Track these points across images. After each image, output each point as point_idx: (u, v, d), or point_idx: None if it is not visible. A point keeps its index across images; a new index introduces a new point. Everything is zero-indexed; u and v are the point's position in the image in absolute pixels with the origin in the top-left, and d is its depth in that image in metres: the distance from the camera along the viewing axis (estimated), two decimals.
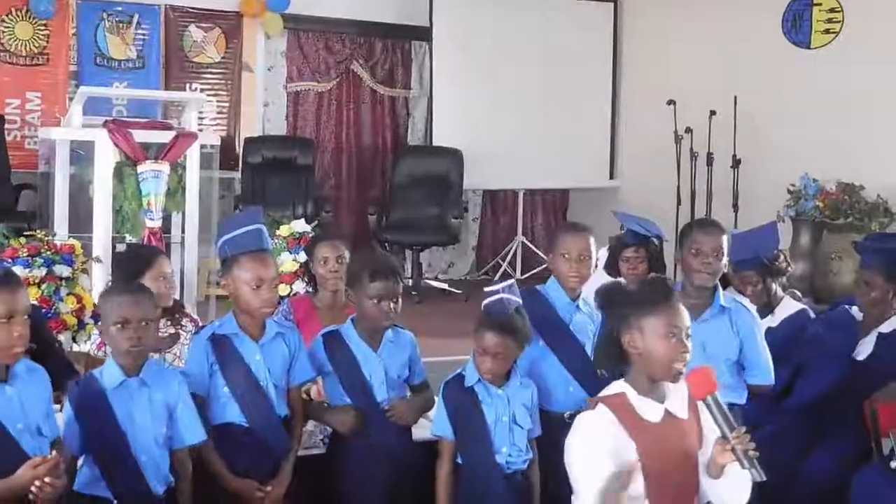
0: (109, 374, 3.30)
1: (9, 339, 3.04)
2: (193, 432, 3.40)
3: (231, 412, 3.57)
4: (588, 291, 4.11)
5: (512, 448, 3.62)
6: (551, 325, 3.90)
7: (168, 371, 3.54)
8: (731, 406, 3.86)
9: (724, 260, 3.95)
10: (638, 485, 2.70)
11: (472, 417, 3.58)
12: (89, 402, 3.25)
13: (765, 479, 2.76)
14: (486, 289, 3.74)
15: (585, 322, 3.94)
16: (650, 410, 2.84)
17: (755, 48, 8.97)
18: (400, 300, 3.78)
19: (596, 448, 2.75)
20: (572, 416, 3.75)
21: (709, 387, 2.83)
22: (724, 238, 3.95)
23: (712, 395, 2.82)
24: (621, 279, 5.07)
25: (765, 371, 4.00)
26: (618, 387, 2.89)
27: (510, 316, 3.60)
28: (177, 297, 4.66)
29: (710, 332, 3.86)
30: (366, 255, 4.40)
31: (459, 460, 3.63)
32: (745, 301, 4.15)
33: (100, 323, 3.57)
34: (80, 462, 3.27)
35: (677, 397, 2.90)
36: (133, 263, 4.30)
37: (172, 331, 4.26)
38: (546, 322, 3.89)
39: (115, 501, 3.22)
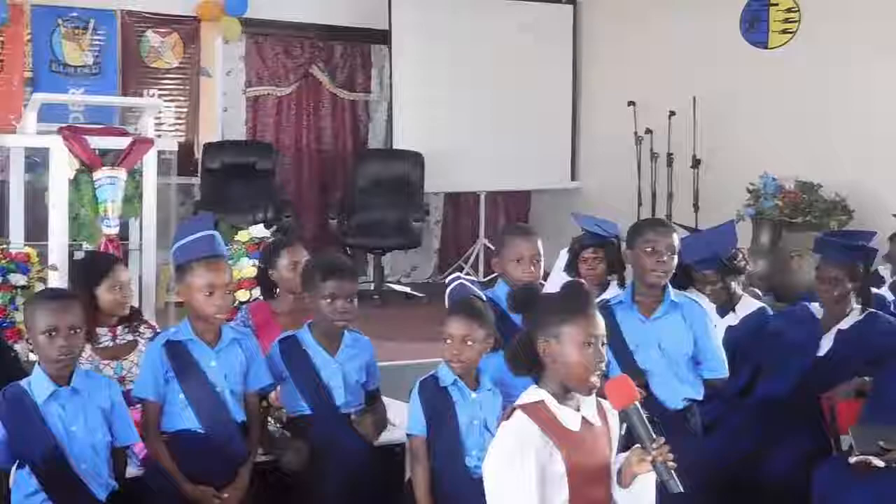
0: (39, 385, 3.26)
1: None
2: (128, 433, 3.41)
3: (187, 418, 3.56)
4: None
5: (482, 452, 3.61)
6: (507, 330, 3.90)
7: (97, 376, 3.52)
8: (690, 402, 3.91)
9: (676, 259, 3.97)
10: (563, 496, 2.65)
11: (445, 418, 3.58)
12: (20, 415, 3.21)
13: (682, 490, 2.71)
14: (446, 279, 3.77)
15: None
16: (569, 418, 2.74)
17: (714, 49, 9.02)
18: (355, 300, 3.77)
19: (522, 460, 2.63)
20: None
21: (629, 396, 2.76)
22: (675, 236, 3.97)
23: (633, 405, 2.76)
24: (582, 280, 5.08)
25: (719, 364, 4.02)
26: (534, 394, 2.77)
27: (473, 300, 3.62)
28: (135, 304, 4.63)
29: (664, 330, 3.91)
30: (319, 255, 4.41)
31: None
32: (697, 296, 4.17)
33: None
34: (12, 475, 3.22)
35: (590, 404, 2.81)
36: (89, 272, 4.27)
37: (130, 338, 4.23)
38: (500, 327, 3.88)
39: None
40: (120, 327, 4.14)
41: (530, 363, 2.82)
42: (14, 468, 3.24)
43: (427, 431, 3.58)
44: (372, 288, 8.81)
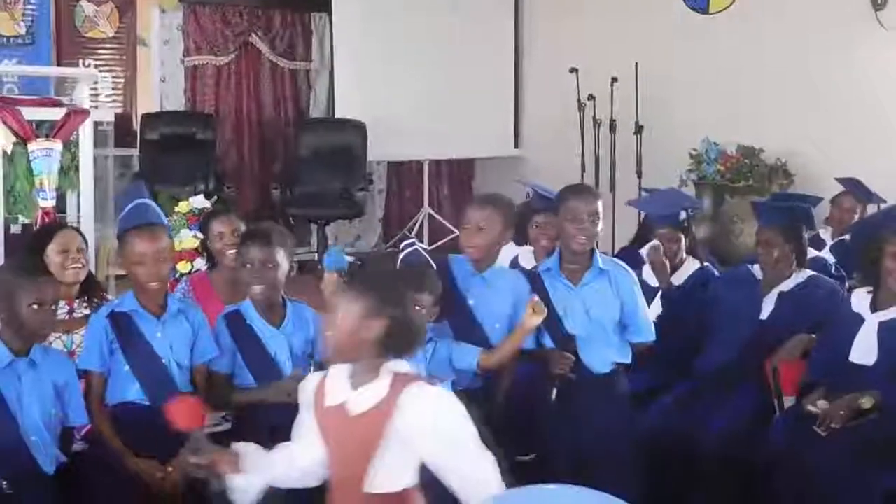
0: None
1: None
2: (80, 414, 3.41)
3: (131, 390, 3.53)
4: (501, 263, 4.15)
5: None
6: (448, 296, 3.90)
7: (55, 352, 3.49)
8: (617, 365, 3.92)
9: (600, 225, 3.98)
10: None
11: None
12: None
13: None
14: (402, 244, 3.78)
15: (491, 296, 3.94)
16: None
17: (655, 14, 9.03)
18: (275, 266, 3.73)
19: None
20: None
21: (195, 420, 2.74)
22: (599, 203, 3.99)
23: (199, 430, 2.73)
24: (529, 247, 5.07)
25: (646, 329, 4.09)
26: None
27: (422, 266, 3.63)
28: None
29: (591, 295, 3.96)
30: (253, 225, 4.38)
31: None
32: (622, 263, 4.20)
33: None
34: None
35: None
36: (36, 236, 4.21)
37: (87, 312, 4.13)
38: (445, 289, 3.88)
39: (5, 483, 3.14)
40: (77, 301, 4.07)
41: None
42: None
43: None
44: (316, 258, 8.74)
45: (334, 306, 2.56)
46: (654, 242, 4.83)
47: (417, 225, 9.88)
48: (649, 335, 4.09)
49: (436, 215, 9.97)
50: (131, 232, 3.57)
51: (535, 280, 4.05)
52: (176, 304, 3.67)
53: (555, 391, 3.92)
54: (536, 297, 3.72)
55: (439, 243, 9.49)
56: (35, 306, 3.23)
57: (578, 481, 1.85)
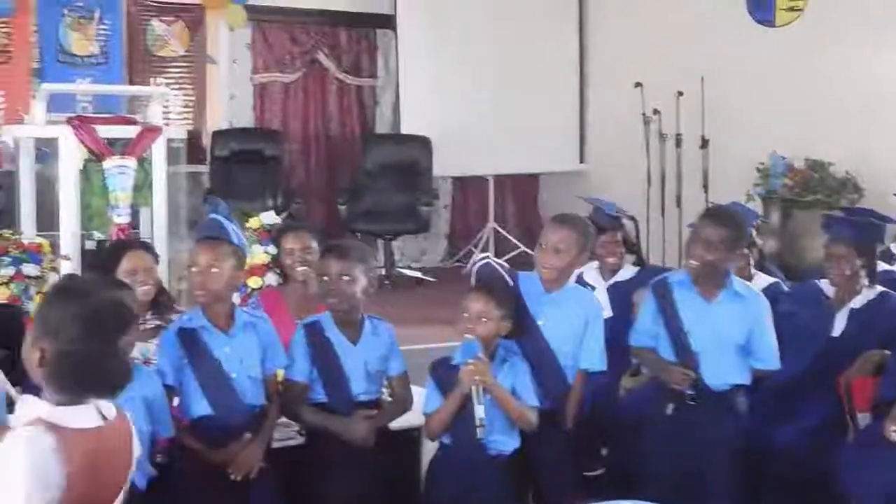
0: None
1: None
2: (167, 427, 3.46)
3: (201, 405, 3.56)
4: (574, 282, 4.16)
5: (498, 431, 3.62)
6: (518, 316, 3.90)
7: (142, 368, 3.53)
8: (737, 387, 3.92)
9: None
10: None
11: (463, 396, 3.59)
12: None
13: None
14: (474, 258, 3.79)
15: (561, 317, 3.94)
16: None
17: (720, 28, 8.98)
18: (349, 280, 3.73)
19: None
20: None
21: None
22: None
23: None
24: (594, 263, 5.09)
25: (770, 357, 4.04)
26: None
27: (498, 280, 3.64)
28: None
29: (723, 315, 3.94)
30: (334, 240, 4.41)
31: (447, 440, 3.65)
32: (755, 289, 4.18)
33: None
34: None
35: None
36: (104, 261, 4.27)
37: (157, 323, 4.18)
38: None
39: None
40: (149, 313, 4.11)
41: None
42: None
43: None
44: (382, 273, 8.81)
45: None
46: None
47: (483, 240, 9.90)
48: (774, 363, 4.04)
49: (501, 230, 9.99)
50: (195, 243, 3.66)
51: (663, 289, 4.03)
52: (243, 318, 3.68)
53: (671, 406, 3.89)
54: (482, 356, 3.59)
55: (505, 258, 9.50)
56: None
57: (678, 497, 1.85)
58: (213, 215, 3.72)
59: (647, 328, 4.07)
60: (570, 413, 3.97)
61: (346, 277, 3.71)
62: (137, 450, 2.49)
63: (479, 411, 3.49)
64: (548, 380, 3.88)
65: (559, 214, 4.17)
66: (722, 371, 3.93)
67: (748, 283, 4.64)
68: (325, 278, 3.73)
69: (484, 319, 3.62)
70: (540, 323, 3.93)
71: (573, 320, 3.96)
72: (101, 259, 4.37)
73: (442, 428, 3.63)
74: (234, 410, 3.57)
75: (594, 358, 4.00)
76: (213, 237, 3.64)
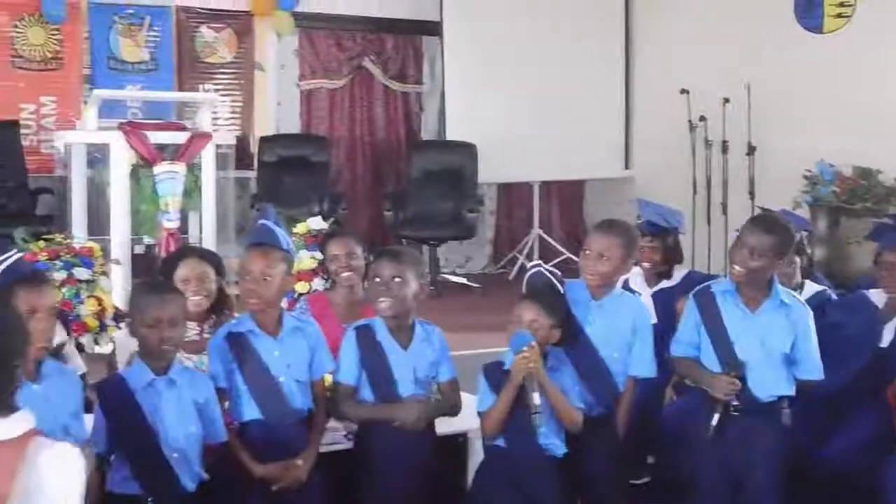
0: (137, 374, 3.35)
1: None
2: (218, 432, 3.48)
3: (250, 408, 3.59)
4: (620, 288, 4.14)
5: (552, 433, 3.64)
6: (566, 324, 3.90)
7: (195, 371, 3.57)
8: (781, 398, 3.90)
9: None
10: None
11: (517, 399, 3.61)
12: (117, 401, 3.30)
13: None
14: (527, 265, 3.80)
15: (609, 324, 3.95)
16: None
17: (767, 34, 8.93)
18: (401, 282, 3.73)
19: None
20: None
21: None
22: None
23: None
24: (639, 268, 5.08)
25: (815, 368, 3.99)
26: None
27: (550, 289, 3.65)
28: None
29: (768, 324, 3.90)
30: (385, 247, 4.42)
31: (502, 443, 3.66)
32: (801, 298, 4.15)
33: (129, 320, 3.59)
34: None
35: None
36: (163, 264, 4.32)
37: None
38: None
39: (150, 499, 3.25)
40: (207, 323, 4.11)
41: None
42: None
43: None
44: (428, 279, 8.82)
45: None
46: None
47: (528, 246, 9.91)
48: (818, 374, 3.98)
49: (545, 237, 9.99)
50: (246, 251, 3.68)
51: (706, 299, 4.01)
52: (291, 322, 3.70)
53: (717, 416, 3.86)
54: (534, 344, 3.61)
55: (549, 264, 9.48)
56: (150, 325, 3.32)
57: None
58: (262, 221, 3.75)
59: (688, 337, 4.03)
60: (622, 419, 3.97)
61: (398, 279, 3.72)
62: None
63: (535, 398, 3.50)
64: (598, 386, 3.89)
65: (604, 220, 4.16)
66: (767, 381, 3.89)
67: (794, 291, 4.62)
68: (378, 279, 3.75)
69: (536, 328, 3.63)
70: (588, 330, 3.93)
71: (621, 327, 3.96)
72: (160, 266, 4.38)
73: (499, 423, 3.63)
74: (282, 414, 3.59)
75: (643, 365, 4.00)
76: (264, 244, 3.66)
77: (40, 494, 2.19)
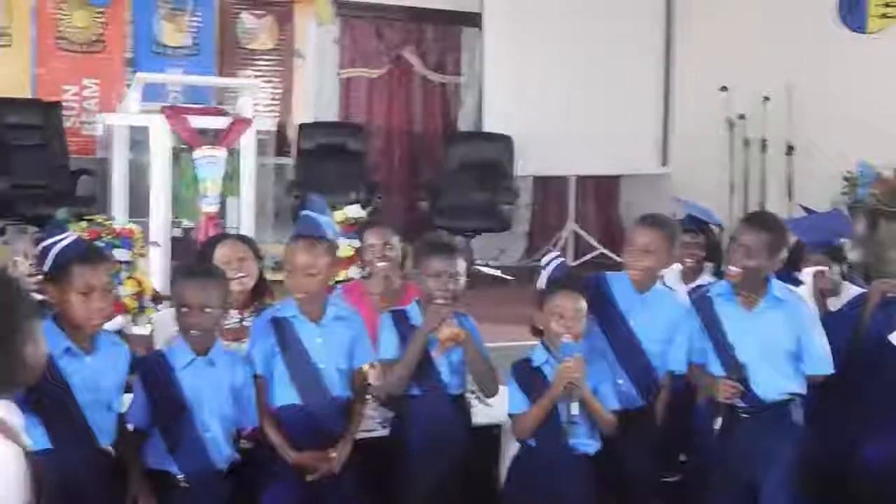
0: (179, 352, 3.41)
1: (87, 311, 3.13)
2: (250, 416, 3.52)
3: (290, 394, 3.60)
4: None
5: (582, 433, 3.64)
6: (606, 310, 3.93)
7: (233, 354, 3.60)
8: (793, 396, 3.85)
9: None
10: None
11: (542, 397, 3.61)
12: (157, 378, 3.36)
13: None
14: (543, 260, 3.78)
15: (651, 318, 3.95)
16: None
17: (810, 33, 8.88)
18: (461, 279, 3.78)
19: None
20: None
21: None
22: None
23: None
24: (676, 265, 5.06)
25: (823, 361, 3.92)
26: None
27: (575, 275, 3.67)
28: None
29: (766, 323, 3.85)
30: (429, 235, 4.40)
31: (532, 442, 3.67)
32: (801, 292, 4.12)
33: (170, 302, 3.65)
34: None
35: None
36: (203, 247, 4.35)
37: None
38: (601, 306, 3.92)
39: (182, 476, 3.29)
40: (248, 310, 4.13)
41: None
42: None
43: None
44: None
45: None
46: (818, 268, 4.67)
47: (562, 240, 9.90)
48: (826, 367, 3.91)
49: (580, 231, 9.98)
50: (291, 243, 3.68)
51: (703, 303, 3.98)
52: (335, 310, 3.71)
53: (719, 420, 3.84)
54: (580, 356, 3.60)
55: (584, 259, 9.51)
56: (184, 309, 3.38)
57: None
58: (306, 212, 3.76)
59: (696, 343, 4.01)
60: (659, 413, 3.99)
61: (460, 279, 3.77)
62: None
63: (574, 408, 3.51)
64: (641, 379, 3.90)
65: (648, 215, 4.14)
66: (772, 381, 3.83)
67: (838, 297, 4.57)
68: (438, 276, 3.74)
69: (580, 317, 3.64)
70: (631, 323, 3.93)
71: (663, 322, 3.95)
72: (200, 249, 4.41)
73: (533, 430, 3.64)
74: (320, 401, 3.60)
75: (679, 360, 4.00)
76: (310, 235, 3.67)
77: None
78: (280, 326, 3.63)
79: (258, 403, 3.57)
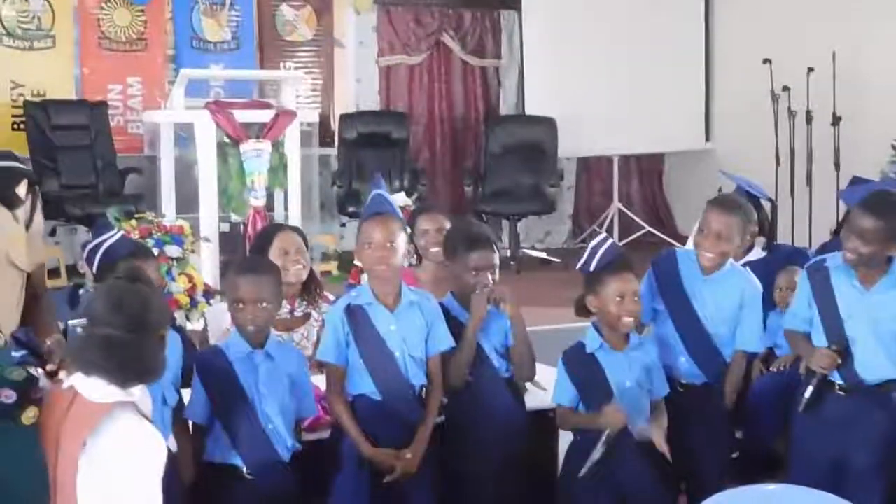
0: (235, 346, 3.42)
1: None
2: (310, 407, 3.53)
3: (365, 382, 3.55)
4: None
5: (639, 414, 3.62)
6: (673, 289, 3.92)
7: (289, 346, 3.62)
8: (893, 381, 3.71)
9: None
10: None
11: (598, 385, 3.59)
12: (216, 373, 3.38)
13: None
14: (591, 243, 3.73)
15: (719, 300, 3.91)
16: None
17: (854, 2, 8.76)
18: (497, 271, 3.77)
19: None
20: (683, 386, 3.79)
21: None
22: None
23: None
24: None
25: None
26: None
27: (624, 256, 3.65)
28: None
29: (883, 303, 3.71)
30: (462, 225, 4.36)
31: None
32: None
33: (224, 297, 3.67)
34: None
35: None
36: (258, 241, 4.37)
37: (309, 311, 4.23)
38: (669, 284, 3.92)
39: (246, 468, 3.34)
40: (298, 300, 4.16)
41: None
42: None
43: (578, 401, 3.63)
44: (508, 254, 8.85)
45: None
46: None
47: (608, 220, 9.87)
48: None
49: (626, 210, 9.94)
50: (366, 220, 3.62)
51: (820, 274, 3.83)
52: (409, 296, 3.63)
53: (810, 388, 3.73)
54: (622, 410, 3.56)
55: (630, 238, 9.48)
56: (239, 305, 3.38)
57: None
58: (377, 191, 3.73)
59: (801, 312, 3.89)
60: (729, 395, 3.94)
61: (497, 271, 3.77)
62: None
63: (597, 454, 3.45)
64: (704, 361, 3.87)
65: (720, 198, 4.08)
66: (877, 361, 3.71)
67: None
68: (485, 273, 3.71)
69: (636, 298, 3.63)
70: (695, 304, 3.90)
71: (729, 302, 3.91)
72: (254, 242, 4.44)
73: (573, 430, 3.67)
74: (396, 390, 3.55)
75: (752, 339, 3.96)
76: (383, 212, 3.63)
77: (104, 462, 2.45)
78: (354, 314, 3.57)
79: (332, 393, 3.55)
